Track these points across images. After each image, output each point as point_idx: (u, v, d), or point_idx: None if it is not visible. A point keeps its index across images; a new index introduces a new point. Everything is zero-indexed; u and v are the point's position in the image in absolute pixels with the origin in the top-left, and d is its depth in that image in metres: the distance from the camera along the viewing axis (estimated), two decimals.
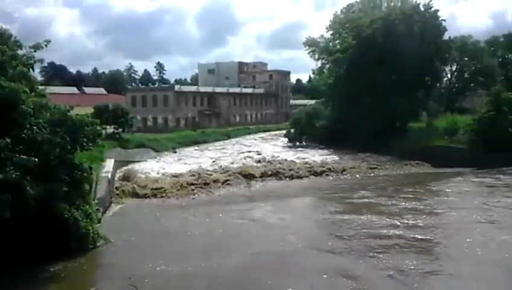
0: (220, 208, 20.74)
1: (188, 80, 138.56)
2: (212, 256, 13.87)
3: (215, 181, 26.30)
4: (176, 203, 22.10)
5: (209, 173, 28.63)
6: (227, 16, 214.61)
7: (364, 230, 16.23)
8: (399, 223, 17.01)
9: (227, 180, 26.82)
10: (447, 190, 24.48)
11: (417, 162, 33.92)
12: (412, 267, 12.52)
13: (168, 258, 13.72)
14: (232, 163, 34.23)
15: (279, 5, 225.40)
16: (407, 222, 17.27)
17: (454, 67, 73.75)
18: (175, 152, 45.17)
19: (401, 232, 15.92)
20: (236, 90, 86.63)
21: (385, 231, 16.10)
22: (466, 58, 72.76)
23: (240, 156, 39.76)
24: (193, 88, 79.11)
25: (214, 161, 35.91)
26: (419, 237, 15.36)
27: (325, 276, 12.19)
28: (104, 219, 18.34)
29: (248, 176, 27.81)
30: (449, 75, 73.72)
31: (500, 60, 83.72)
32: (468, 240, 15.12)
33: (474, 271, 12.44)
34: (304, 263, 13.17)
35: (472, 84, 75.72)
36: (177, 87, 73.12)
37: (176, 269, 12.94)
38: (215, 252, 14.20)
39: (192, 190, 24.61)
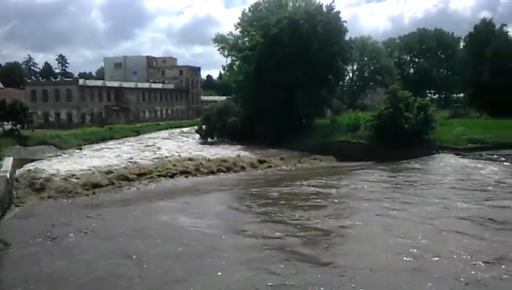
0: (126, 208, 20.33)
1: (94, 73, 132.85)
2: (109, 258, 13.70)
3: (124, 179, 25.63)
4: (82, 203, 21.25)
5: (118, 170, 27.89)
6: (135, 8, 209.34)
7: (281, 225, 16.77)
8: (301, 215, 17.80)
9: (136, 178, 26.24)
10: (346, 181, 25.89)
11: (323, 156, 35.43)
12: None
13: (70, 263, 13.35)
14: (142, 159, 33.86)
15: (189, 0, 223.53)
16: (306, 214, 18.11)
17: (355, 67, 78.45)
18: (80, 149, 43.39)
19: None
20: (145, 85, 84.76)
21: (291, 221, 16.78)
22: (366, 58, 77.67)
23: (150, 153, 39.26)
24: (99, 82, 76.13)
25: (129, 158, 35.22)
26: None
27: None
28: (3, 221, 17.33)
29: (154, 174, 27.30)
30: (351, 74, 78.28)
31: (396, 60, 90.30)
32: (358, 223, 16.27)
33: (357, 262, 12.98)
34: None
35: (372, 83, 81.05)
36: (81, 81, 70.07)
37: (78, 273, 12.57)
38: (114, 255, 14.01)
39: (102, 187, 23.86)
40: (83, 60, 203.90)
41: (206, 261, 13.15)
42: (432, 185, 23.88)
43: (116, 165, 30.68)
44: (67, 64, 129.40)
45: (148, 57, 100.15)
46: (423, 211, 17.98)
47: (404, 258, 12.89)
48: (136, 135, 59.55)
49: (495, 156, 31.92)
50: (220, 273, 12.21)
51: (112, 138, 53.85)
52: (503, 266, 12.07)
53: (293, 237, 15.18)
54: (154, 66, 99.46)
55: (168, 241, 15.05)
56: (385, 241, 14.49)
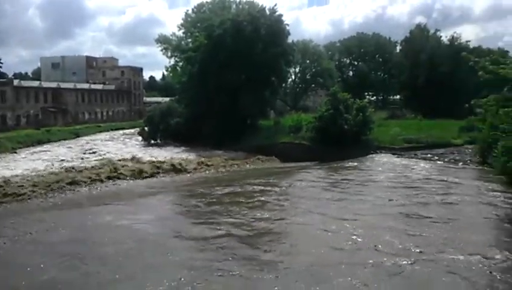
0: (66, 212, 19.76)
1: (30, 74, 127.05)
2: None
3: (57, 181, 24.68)
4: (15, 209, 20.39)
5: (59, 173, 26.98)
6: (75, 6, 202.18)
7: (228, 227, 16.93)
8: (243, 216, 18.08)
9: (76, 181, 25.41)
10: (288, 181, 26.45)
11: (266, 157, 35.88)
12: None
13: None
14: (82, 162, 32.88)
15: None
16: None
17: (297, 69, 79.98)
18: (15, 153, 41.50)
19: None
20: (85, 86, 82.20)
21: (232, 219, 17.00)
22: (308, 61, 79.40)
23: (89, 155, 38.27)
24: (35, 83, 73.06)
25: (66, 161, 34.07)
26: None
27: None
28: None
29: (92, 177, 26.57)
30: (293, 76, 79.71)
31: (337, 63, 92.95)
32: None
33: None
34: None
35: (313, 85, 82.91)
36: (16, 81, 66.86)
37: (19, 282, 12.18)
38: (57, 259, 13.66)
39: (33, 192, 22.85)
40: (18, 59, 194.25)
41: (150, 260, 13.17)
42: (368, 183, 25.16)
43: (53, 169, 29.64)
44: (1, 64, 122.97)
45: (87, 57, 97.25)
46: (357, 208, 19.01)
47: (340, 252, 13.60)
48: (75, 138, 57.61)
49: (429, 155, 33.72)
50: (164, 271, 12.33)
51: (49, 141, 51.83)
52: (427, 257, 12.94)
53: (236, 234, 15.47)
54: (94, 66, 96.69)
55: (111, 242, 14.89)
56: (323, 237, 15.19)
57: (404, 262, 12.53)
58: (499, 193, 21.12)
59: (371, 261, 12.68)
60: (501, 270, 12.07)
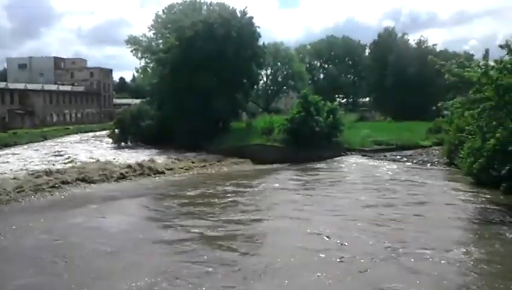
0: (37, 216, 19.33)
1: None
2: None
3: (21, 186, 23.67)
4: None
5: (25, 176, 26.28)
6: (42, 6, 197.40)
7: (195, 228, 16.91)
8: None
9: (45, 184, 24.75)
10: (261, 182, 26.58)
11: (239, 159, 35.88)
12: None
13: None
14: (53, 165, 32.15)
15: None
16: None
17: (269, 71, 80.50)
18: None
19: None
20: (53, 87, 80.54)
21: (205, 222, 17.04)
22: (279, 63, 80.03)
23: (58, 158, 37.47)
24: (1, 84, 71.11)
25: (35, 164, 33.30)
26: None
27: None
28: None
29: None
30: (265, 79, 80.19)
31: (307, 65, 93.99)
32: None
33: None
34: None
35: (285, 87, 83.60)
36: None
37: None
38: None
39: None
40: None
41: (121, 262, 13.23)
42: (337, 183, 25.91)
43: (19, 173, 28.89)
44: None
45: (55, 58, 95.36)
46: (326, 208, 19.61)
47: (309, 250, 13.94)
48: (43, 140, 56.38)
49: (398, 157, 34.46)
50: (140, 267, 12.57)
51: (16, 144, 50.57)
52: (395, 254, 13.43)
53: (211, 234, 15.70)
54: (62, 67, 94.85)
55: (78, 245, 14.76)
56: (293, 237, 15.55)
57: (372, 258, 13.02)
58: (464, 193, 21.74)
59: (339, 258, 13.10)
60: (463, 264, 12.69)
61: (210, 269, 12.39)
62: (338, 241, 14.68)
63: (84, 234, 16.18)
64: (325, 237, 15.12)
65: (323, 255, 13.39)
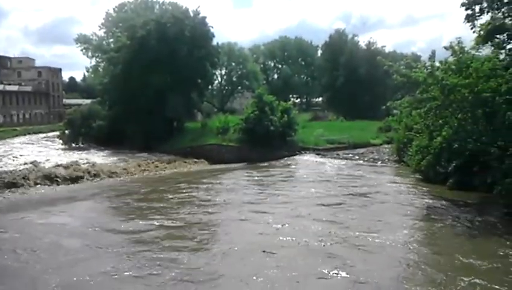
0: None
1: None
2: None
3: None
4: None
5: None
6: None
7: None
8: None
9: None
10: (217, 181, 26.64)
11: (195, 160, 35.63)
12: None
13: None
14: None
15: None
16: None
17: (223, 71, 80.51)
18: None
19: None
20: None
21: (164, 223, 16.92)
22: (233, 63, 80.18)
23: (6, 160, 35.96)
24: None
25: None
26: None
27: None
28: None
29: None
30: (220, 78, 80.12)
31: (262, 66, 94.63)
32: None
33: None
34: None
35: (240, 87, 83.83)
36: None
37: None
38: None
39: None
40: None
41: (78, 255, 13.32)
42: (291, 179, 26.99)
43: None
44: None
45: (1, 57, 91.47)
46: (280, 200, 20.60)
47: (264, 236, 14.78)
48: None
49: (350, 155, 35.33)
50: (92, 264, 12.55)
51: None
52: (344, 237, 14.37)
53: (165, 228, 16.03)
54: (8, 66, 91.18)
55: (38, 243, 14.43)
56: (249, 226, 16.28)
57: (320, 240, 14.03)
58: (410, 187, 22.78)
59: (294, 243, 13.97)
60: (408, 245, 13.66)
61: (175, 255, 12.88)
62: (289, 228, 15.61)
63: (40, 232, 15.82)
64: (278, 225, 15.93)
65: (276, 240, 14.21)
